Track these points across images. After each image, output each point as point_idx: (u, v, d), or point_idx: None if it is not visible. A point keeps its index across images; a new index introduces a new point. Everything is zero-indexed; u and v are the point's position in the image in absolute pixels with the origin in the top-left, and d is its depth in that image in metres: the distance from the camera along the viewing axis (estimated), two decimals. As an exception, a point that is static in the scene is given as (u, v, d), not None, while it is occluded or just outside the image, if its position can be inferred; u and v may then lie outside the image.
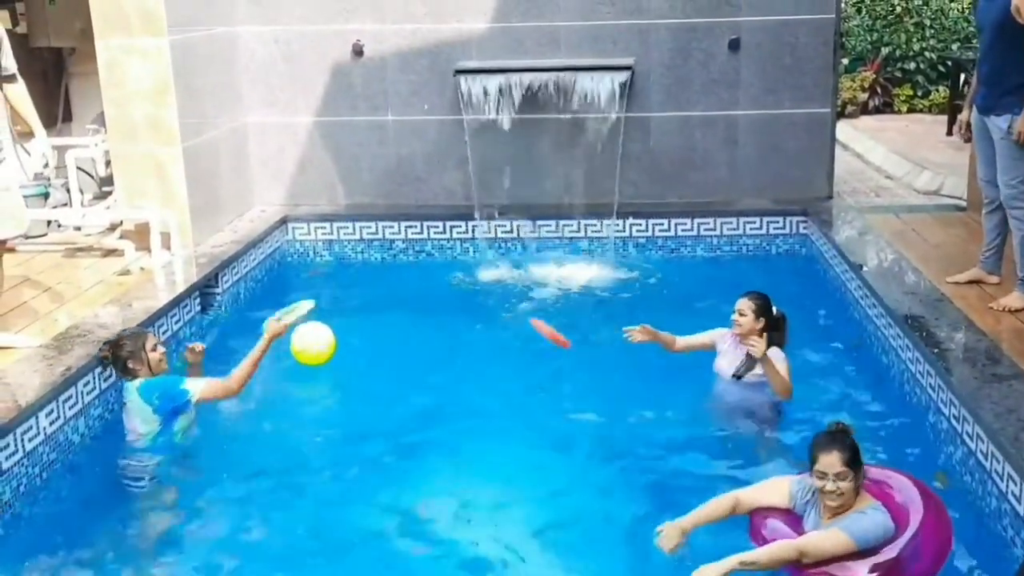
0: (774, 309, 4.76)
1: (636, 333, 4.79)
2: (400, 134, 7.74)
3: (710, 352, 4.94)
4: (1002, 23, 4.92)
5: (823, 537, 3.30)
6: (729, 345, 4.83)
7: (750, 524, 3.57)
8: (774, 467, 4.23)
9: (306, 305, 4.65)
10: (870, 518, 3.34)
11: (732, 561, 3.19)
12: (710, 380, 4.91)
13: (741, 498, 3.56)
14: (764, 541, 3.45)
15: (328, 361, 4.71)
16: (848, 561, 3.28)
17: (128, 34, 6.36)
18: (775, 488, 3.60)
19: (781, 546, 3.29)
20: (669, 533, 3.43)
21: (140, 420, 4.37)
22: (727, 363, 4.82)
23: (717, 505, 3.53)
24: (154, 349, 4.49)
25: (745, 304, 4.72)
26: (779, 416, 4.70)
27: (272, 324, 4.54)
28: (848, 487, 3.34)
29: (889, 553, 3.26)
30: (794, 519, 3.52)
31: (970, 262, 5.66)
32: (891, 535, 3.32)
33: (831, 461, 3.33)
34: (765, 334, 4.64)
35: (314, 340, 4.66)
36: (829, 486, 3.33)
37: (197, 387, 4.41)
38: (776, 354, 4.66)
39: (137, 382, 4.42)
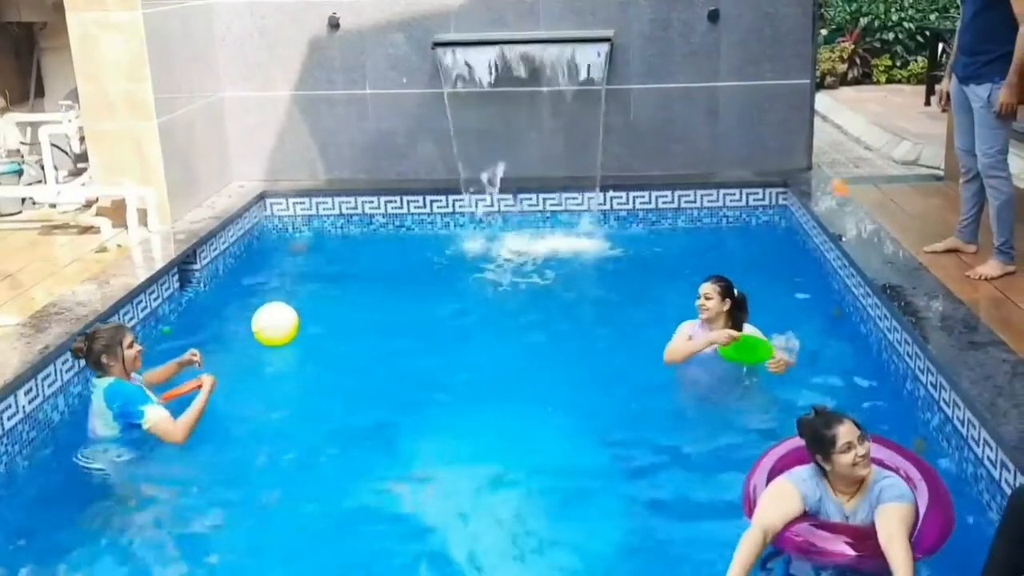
0: (735, 290, 4.76)
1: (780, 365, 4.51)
2: (379, 108, 7.68)
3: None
4: (985, -7, 4.93)
5: (902, 518, 3.24)
6: (699, 333, 4.78)
7: (782, 541, 3.39)
8: (751, 433, 4.28)
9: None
10: (897, 480, 3.37)
11: None
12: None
13: (766, 526, 3.33)
14: (809, 551, 3.35)
15: (291, 341, 4.64)
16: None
17: (101, 7, 6.26)
18: (786, 499, 3.42)
19: (903, 547, 3.16)
20: None
21: (101, 423, 4.22)
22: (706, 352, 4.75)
23: (750, 548, 3.27)
24: (130, 346, 4.26)
25: (710, 288, 4.70)
26: (751, 386, 4.71)
27: (206, 378, 4.30)
28: (870, 447, 3.33)
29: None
30: (812, 519, 3.43)
31: (948, 231, 5.70)
32: None
33: (850, 428, 3.31)
34: (731, 317, 4.68)
35: (276, 321, 4.55)
36: (860, 451, 3.29)
37: (154, 418, 4.14)
38: (752, 330, 4.68)
39: (105, 382, 4.21)
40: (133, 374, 4.32)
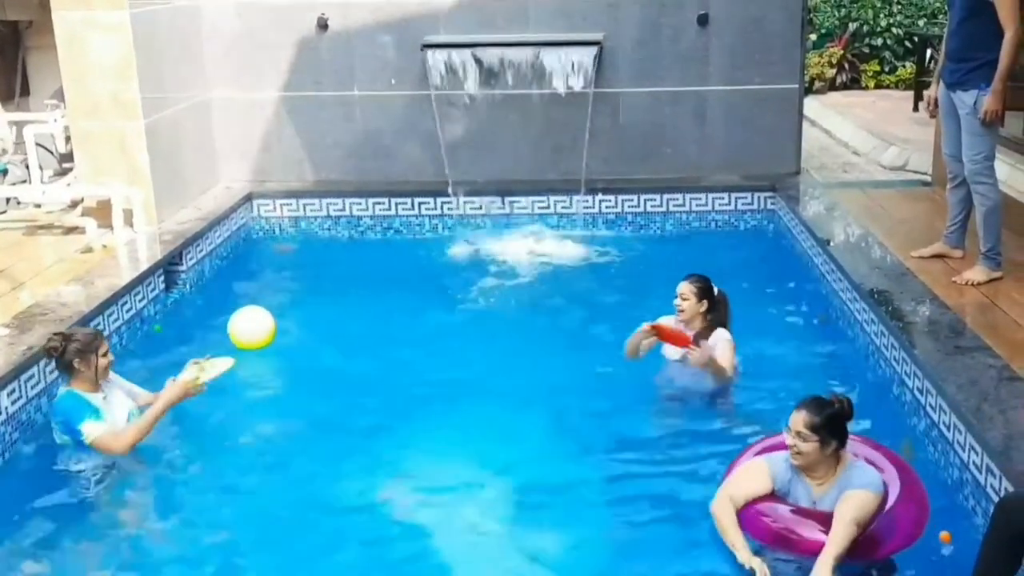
0: (715, 289, 4.72)
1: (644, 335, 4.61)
2: (367, 109, 7.66)
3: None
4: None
5: (858, 503, 3.29)
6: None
7: (742, 518, 3.47)
8: (733, 438, 4.27)
9: (225, 363, 4.28)
10: (870, 470, 3.42)
11: (827, 567, 3.15)
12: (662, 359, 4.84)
13: (732, 493, 3.48)
14: (769, 530, 3.41)
15: (268, 345, 4.59)
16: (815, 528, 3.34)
17: (87, 6, 6.22)
18: (755, 474, 3.54)
19: (844, 529, 3.23)
20: (757, 568, 3.26)
21: (55, 432, 4.18)
22: (676, 352, 4.71)
23: (727, 511, 3.45)
24: (105, 355, 4.19)
25: (687, 288, 4.67)
26: (731, 392, 4.68)
27: (183, 384, 4.20)
28: (808, 449, 3.38)
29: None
30: (779, 500, 3.49)
31: (935, 237, 5.72)
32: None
33: (797, 419, 3.40)
34: (707, 318, 4.65)
35: (250, 326, 4.49)
36: (788, 440, 3.41)
37: (94, 433, 4.06)
38: (722, 335, 4.63)
39: (61, 392, 4.17)
40: (102, 382, 4.24)
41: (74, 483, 4.08)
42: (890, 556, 3.38)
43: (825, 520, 3.34)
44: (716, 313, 4.71)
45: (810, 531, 3.35)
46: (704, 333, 4.66)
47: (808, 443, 3.38)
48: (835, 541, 3.21)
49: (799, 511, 3.43)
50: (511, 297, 6.28)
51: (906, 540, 3.35)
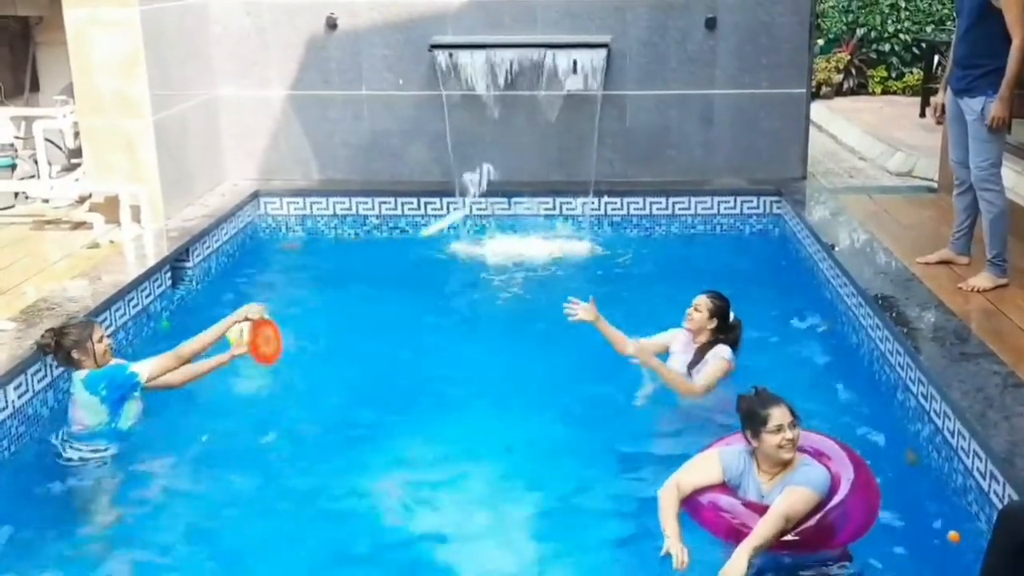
0: (731, 315, 4.66)
1: (580, 310, 4.64)
2: (375, 109, 7.68)
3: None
4: (980, 6, 4.95)
5: (793, 498, 3.34)
6: (681, 344, 4.74)
7: (689, 505, 3.52)
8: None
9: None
10: (816, 469, 3.45)
11: (745, 554, 3.18)
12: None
13: (680, 483, 3.54)
14: (720, 520, 3.45)
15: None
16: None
17: (96, 3, 6.24)
18: (706, 465, 3.60)
19: (770, 521, 3.28)
20: (677, 554, 3.30)
21: (87, 412, 4.20)
22: (678, 363, 4.70)
23: (670, 498, 3.51)
24: (100, 340, 4.25)
25: (703, 301, 4.64)
26: (733, 397, 4.65)
27: (249, 308, 4.37)
28: (799, 434, 3.45)
29: (809, 521, 3.35)
30: (731, 492, 3.54)
31: (941, 243, 5.72)
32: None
33: (784, 412, 3.43)
34: (714, 336, 4.60)
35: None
36: (788, 435, 3.41)
37: (145, 367, 4.18)
38: (719, 351, 4.57)
39: (82, 373, 4.21)
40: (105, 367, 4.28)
41: (79, 475, 4.10)
42: (844, 546, 3.41)
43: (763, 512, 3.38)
44: (727, 335, 4.65)
45: (755, 523, 3.36)
46: (705, 347, 4.65)
47: (799, 428, 3.46)
48: (759, 532, 3.26)
49: (747, 504, 3.48)
50: (516, 298, 6.29)
51: (858, 531, 3.40)
